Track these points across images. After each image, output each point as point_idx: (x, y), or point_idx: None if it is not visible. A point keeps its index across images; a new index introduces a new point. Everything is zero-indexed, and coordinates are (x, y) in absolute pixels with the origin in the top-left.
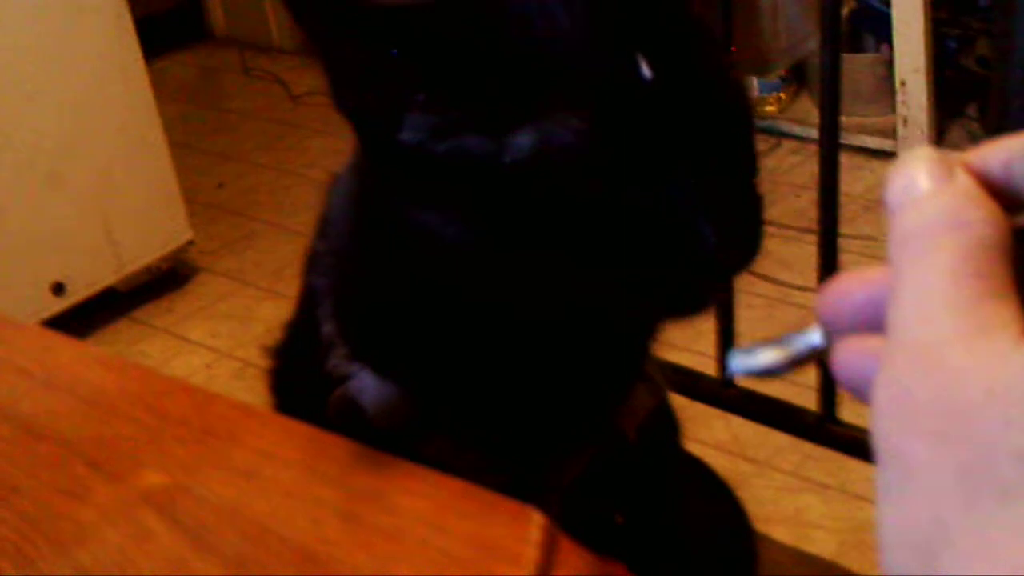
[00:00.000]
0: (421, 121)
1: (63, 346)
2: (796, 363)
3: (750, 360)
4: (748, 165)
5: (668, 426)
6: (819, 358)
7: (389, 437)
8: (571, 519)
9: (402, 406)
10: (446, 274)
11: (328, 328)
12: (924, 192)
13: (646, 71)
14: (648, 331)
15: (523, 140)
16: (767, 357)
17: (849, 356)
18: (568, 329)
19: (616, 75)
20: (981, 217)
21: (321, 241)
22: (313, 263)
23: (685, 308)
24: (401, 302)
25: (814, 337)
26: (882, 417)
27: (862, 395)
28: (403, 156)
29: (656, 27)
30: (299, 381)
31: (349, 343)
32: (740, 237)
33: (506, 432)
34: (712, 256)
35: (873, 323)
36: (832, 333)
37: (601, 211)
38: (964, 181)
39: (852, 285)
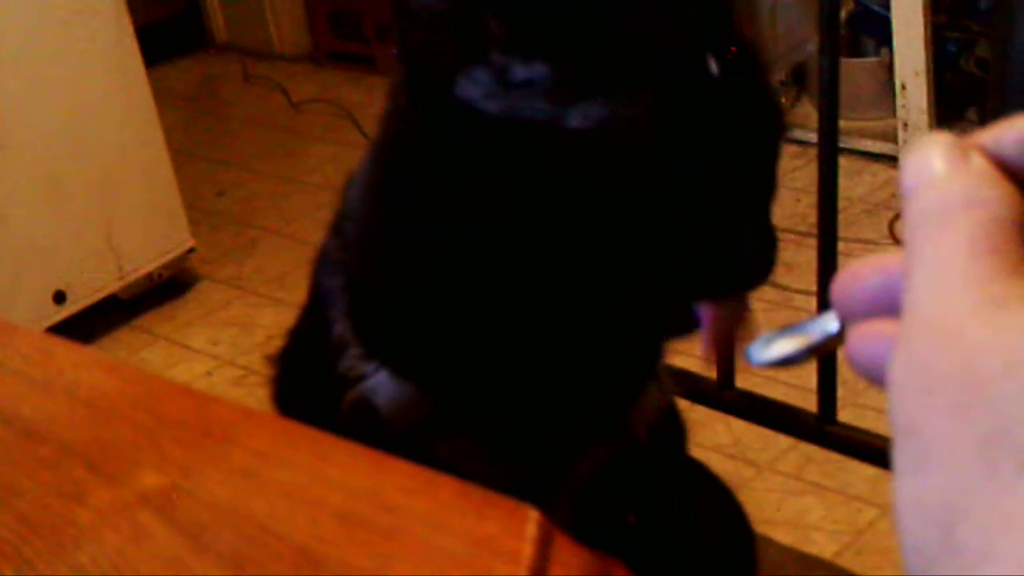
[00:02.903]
0: (484, 78)
1: (62, 349)
2: (813, 351)
3: (768, 351)
4: (774, 180)
5: (675, 428)
6: (835, 345)
7: (402, 437)
8: (582, 519)
9: (417, 405)
10: (477, 249)
11: (340, 328)
12: (939, 173)
13: (714, 67)
14: (665, 333)
15: (594, 108)
16: (784, 347)
17: (863, 341)
18: (591, 326)
19: (688, 66)
20: (997, 196)
21: (335, 239)
22: (324, 263)
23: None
24: (421, 294)
25: (829, 324)
26: (899, 394)
27: (877, 380)
28: (457, 112)
29: (722, 34)
30: (305, 385)
31: (365, 341)
32: (768, 246)
33: (521, 431)
34: (749, 260)
35: (887, 308)
36: (846, 319)
37: (654, 193)
38: (979, 162)
39: (865, 270)
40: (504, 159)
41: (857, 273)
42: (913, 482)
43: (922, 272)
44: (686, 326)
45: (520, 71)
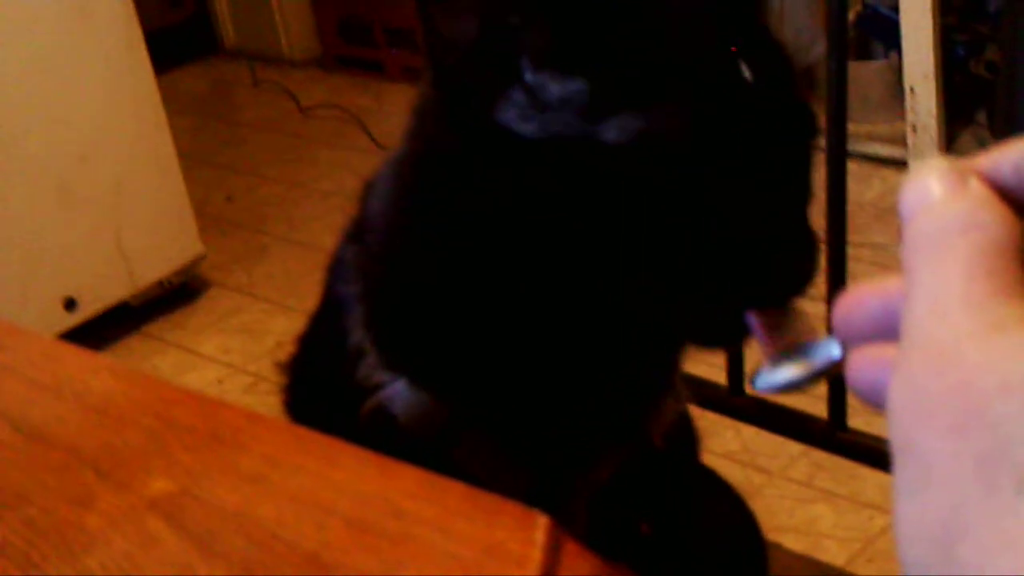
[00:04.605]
0: (521, 99)
1: (71, 355)
2: (816, 376)
3: (773, 377)
4: (808, 185)
5: (688, 436)
6: (838, 370)
7: (420, 446)
8: (596, 528)
9: (435, 414)
10: (502, 260)
11: (357, 337)
12: (938, 198)
13: (747, 72)
14: (683, 341)
15: (630, 120)
16: (788, 373)
17: (864, 365)
18: (613, 334)
19: (722, 73)
20: (994, 219)
21: (351, 247)
22: (338, 271)
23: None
24: (442, 305)
25: (832, 350)
26: (898, 416)
27: (877, 404)
28: (496, 138)
29: (754, 42)
30: (320, 394)
31: (383, 350)
32: (804, 256)
33: (540, 440)
34: (788, 266)
35: (888, 332)
36: (848, 343)
37: (687, 201)
38: (977, 187)
39: (866, 295)
40: (540, 178)
41: (857, 298)
42: (913, 501)
43: (920, 294)
44: (735, 334)
45: (555, 89)
